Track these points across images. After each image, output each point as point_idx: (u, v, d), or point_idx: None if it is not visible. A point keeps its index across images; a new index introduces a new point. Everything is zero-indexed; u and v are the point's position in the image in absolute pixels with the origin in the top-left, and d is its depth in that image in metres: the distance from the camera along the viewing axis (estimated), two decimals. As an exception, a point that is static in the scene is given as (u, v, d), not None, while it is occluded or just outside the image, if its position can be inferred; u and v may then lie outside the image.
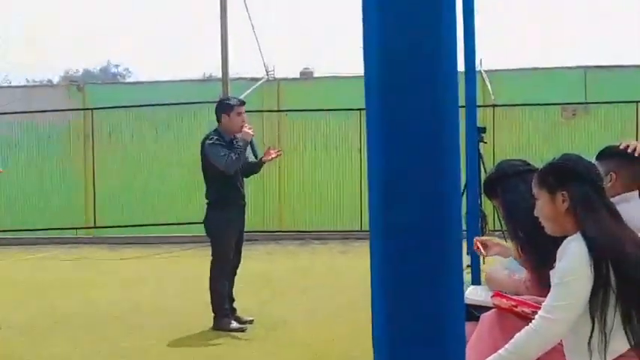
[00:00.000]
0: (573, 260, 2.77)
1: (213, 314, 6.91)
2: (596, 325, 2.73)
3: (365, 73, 1.21)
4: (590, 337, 2.75)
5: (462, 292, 1.22)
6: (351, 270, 10.55)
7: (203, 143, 7.05)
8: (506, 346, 2.83)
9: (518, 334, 2.83)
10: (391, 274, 1.17)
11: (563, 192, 2.89)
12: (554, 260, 3.06)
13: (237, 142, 6.95)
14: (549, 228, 2.97)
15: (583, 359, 2.79)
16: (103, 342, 6.49)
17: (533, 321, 2.83)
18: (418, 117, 1.16)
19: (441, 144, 1.16)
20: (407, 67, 1.16)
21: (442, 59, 1.17)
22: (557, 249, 3.09)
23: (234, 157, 6.83)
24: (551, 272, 2.91)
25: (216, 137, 6.95)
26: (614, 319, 2.73)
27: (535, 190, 3.02)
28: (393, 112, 1.16)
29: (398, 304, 1.17)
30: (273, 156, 7.34)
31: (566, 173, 2.95)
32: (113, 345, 6.37)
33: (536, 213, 3.02)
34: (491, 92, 16.20)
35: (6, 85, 21.40)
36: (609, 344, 2.73)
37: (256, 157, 7.31)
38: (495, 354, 2.85)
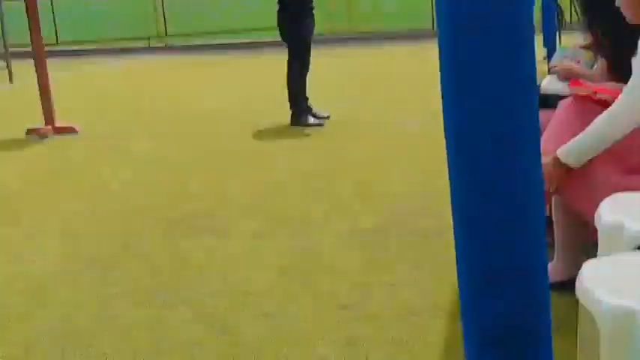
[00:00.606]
0: None
1: (290, 111, 7.11)
2: None
3: None
4: None
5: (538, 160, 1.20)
6: (422, 68, 10.54)
7: None
8: (588, 128, 2.82)
9: (597, 118, 2.81)
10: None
11: None
12: (633, 50, 3.01)
13: None
14: (629, 16, 2.89)
15: None
16: (189, 140, 6.76)
17: (615, 101, 2.80)
18: None
19: None
20: None
21: None
22: (636, 39, 3.04)
23: None
24: (633, 59, 2.86)
25: None
26: None
27: None
28: None
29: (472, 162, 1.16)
30: None
31: None
32: (199, 141, 6.63)
33: (617, 2, 2.93)
34: None
35: None
36: None
37: None
38: (576, 137, 2.85)
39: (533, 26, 1.14)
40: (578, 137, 2.82)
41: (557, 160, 2.83)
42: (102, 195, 5.10)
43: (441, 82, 1.16)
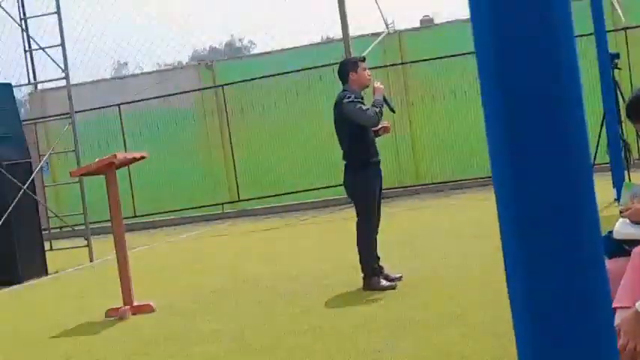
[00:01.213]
0: None
1: (362, 274, 7.02)
2: None
3: (474, 18, 1.21)
4: None
5: (599, 239, 1.22)
6: (495, 216, 10.45)
7: (339, 103, 7.12)
8: None
9: None
10: (522, 221, 1.20)
11: None
12: None
13: (373, 97, 7.08)
14: None
15: None
16: (256, 313, 6.71)
17: None
18: (535, 65, 1.16)
19: (561, 92, 1.16)
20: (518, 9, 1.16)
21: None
22: None
23: (377, 111, 6.96)
24: None
25: (353, 95, 7.04)
26: None
27: None
28: (507, 60, 1.17)
29: (532, 250, 1.18)
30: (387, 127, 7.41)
31: None
32: (269, 314, 6.59)
33: None
34: (621, 15, 15.51)
35: (139, 72, 22.21)
36: None
37: (393, 110, 7.37)
38: None
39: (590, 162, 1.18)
40: None
41: (637, 313, 2.73)
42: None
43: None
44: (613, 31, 14.15)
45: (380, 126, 7.27)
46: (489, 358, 4.58)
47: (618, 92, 10.09)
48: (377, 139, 7.31)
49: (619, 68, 10.40)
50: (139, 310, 7.36)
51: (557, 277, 1.18)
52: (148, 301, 7.48)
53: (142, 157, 8.33)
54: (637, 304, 2.77)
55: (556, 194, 1.17)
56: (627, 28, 15.17)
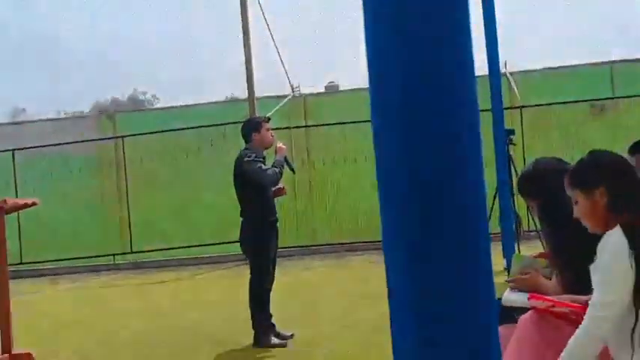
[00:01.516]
0: (614, 255, 2.74)
1: (253, 331, 6.94)
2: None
3: (373, 86, 1.20)
4: (633, 330, 2.72)
5: (494, 301, 1.22)
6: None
7: (239, 161, 7.10)
8: (562, 354, 2.78)
9: (570, 340, 2.79)
10: (416, 283, 1.18)
11: (601, 188, 2.87)
12: (587, 262, 3.04)
13: (275, 157, 7.09)
14: (590, 226, 2.93)
15: (626, 352, 2.76)
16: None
17: (582, 323, 2.79)
18: (438, 125, 1.16)
19: (464, 151, 1.16)
20: (423, 75, 1.16)
21: (458, 68, 1.17)
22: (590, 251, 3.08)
23: (277, 171, 6.97)
24: (592, 267, 2.87)
25: (254, 155, 7.03)
26: None
27: (569, 191, 2.99)
28: (411, 120, 1.17)
29: (427, 312, 1.17)
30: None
31: (602, 169, 2.93)
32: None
33: (575, 214, 2.98)
34: (517, 94, 16.15)
35: (37, 119, 21.70)
36: None
37: (293, 171, 7.41)
38: None
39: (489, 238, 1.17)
40: None
41: None
42: None
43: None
44: (509, 108, 14.69)
45: (276, 187, 7.28)
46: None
47: (512, 166, 10.43)
48: (276, 199, 7.32)
49: (513, 144, 10.77)
50: (17, 359, 7.03)
51: (451, 342, 1.16)
52: (28, 350, 7.16)
53: (33, 204, 8.07)
54: None
55: (454, 258, 1.16)
56: (523, 107, 15.79)
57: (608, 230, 2.85)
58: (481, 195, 1.20)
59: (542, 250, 4.26)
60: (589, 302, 2.84)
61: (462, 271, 1.16)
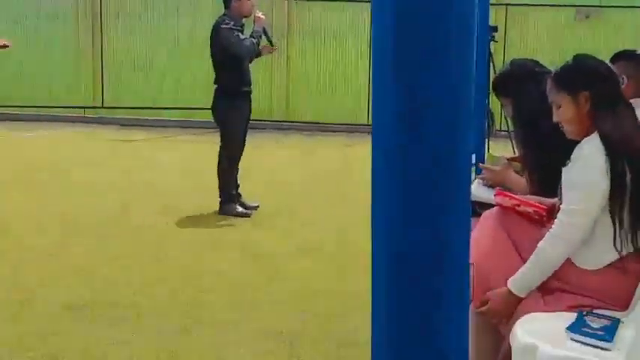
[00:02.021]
0: (589, 161, 2.77)
1: (219, 199, 7.01)
2: (617, 224, 2.73)
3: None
4: (614, 237, 2.75)
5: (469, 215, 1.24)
6: (355, 162, 10.64)
7: (217, 28, 6.97)
8: (531, 257, 2.83)
9: (540, 242, 2.83)
10: (396, 175, 1.20)
11: (585, 92, 2.87)
12: (557, 166, 3.08)
13: (253, 27, 6.98)
14: (570, 131, 2.95)
15: (593, 261, 2.80)
16: (106, 222, 6.60)
17: (552, 227, 2.82)
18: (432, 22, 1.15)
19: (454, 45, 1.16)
20: None
21: None
22: (562, 155, 3.12)
23: (254, 42, 6.87)
24: (564, 170, 2.90)
25: (232, 22, 6.90)
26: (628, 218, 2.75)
27: (553, 95, 2.98)
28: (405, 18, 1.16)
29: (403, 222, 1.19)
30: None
31: (587, 74, 2.92)
32: (119, 223, 6.49)
33: (555, 118, 2.99)
34: (505, -9, 15.93)
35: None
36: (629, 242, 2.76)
37: (271, 43, 7.29)
38: (523, 267, 2.86)
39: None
40: (525, 268, 2.83)
41: (509, 292, 2.83)
42: None
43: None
44: (495, 4, 14.53)
45: (263, 45, 7.18)
46: (331, 289, 4.69)
47: (491, 64, 10.38)
48: (252, 68, 7.24)
49: (495, 41, 10.67)
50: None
51: (426, 228, 1.18)
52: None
53: (4, 46, 7.94)
54: (509, 284, 2.86)
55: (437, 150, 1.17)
56: (508, 4, 15.62)
57: (586, 137, 2.87)
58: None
59: (511, 151, 4.30)
60: (559, 207, 2.88)
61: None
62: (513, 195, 3.32)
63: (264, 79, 15.46)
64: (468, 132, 1.21)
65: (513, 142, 4.85)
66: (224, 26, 6.88)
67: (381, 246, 1.23)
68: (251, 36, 6.95)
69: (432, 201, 1.16)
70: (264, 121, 14.89)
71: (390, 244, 1.19)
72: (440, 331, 1.18)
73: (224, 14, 7.06)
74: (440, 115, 1.16)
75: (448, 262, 1.17)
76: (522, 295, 2.83)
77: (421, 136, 1.15)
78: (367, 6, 15.46)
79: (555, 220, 2.83)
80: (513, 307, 2.83)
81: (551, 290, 2.88)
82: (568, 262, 2.83)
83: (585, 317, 2.67)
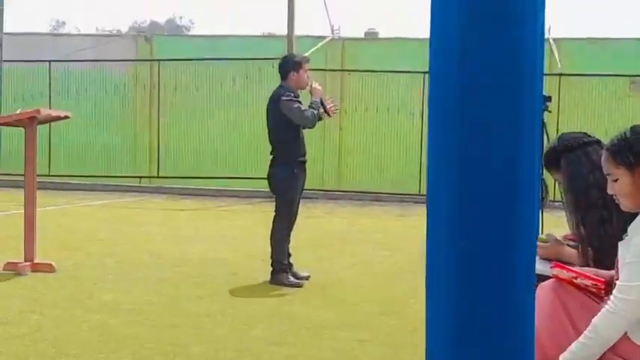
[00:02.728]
0: None
1: (271, 268, 7.02)
2: None
3: (434, 37, 1.21)
4: None
5: (533, 265, 1.24)
6: (408, 233, 10.60)
7: (277, 99, 7.09)
8: (586, 332, 2.77)
9: (596, 318, 2.77)
10: (457, 243, 1.20)
11: None
12: (612, 238, 3.03)
13: (311, 99, 7.09)
14: (626, 204, 2.89)
15: None
16: (159, 290, 6.63)
17: (609, 302, 2.76)
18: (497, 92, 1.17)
19: (521, 117, 1.18)
20: (486, 32, 1.16)
21: (524, 24, 1.17)
22: (616, 227, 3.07)
23: (315, 113, 6.97)
24: (621, 244, 2.86)
25: (292, 94, 7.03)
26: None
27: (610, 168, 2.92)
28: (471, 80, 1.18)
29: (468, 273, 1.19)
30: (332, 107, 7.34)
31: None
32: (171, 293, 6.52)
33: (610, 190, 2.95)
34: (558, 61, 15.94)
35: (75, 33, 21.69)
36: None
37: (328, 114, 7.37)
38: (576, 342, 2.80)
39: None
40: (579, 344, 2.78)
41: None
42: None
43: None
44: (548, 75, 14.54)
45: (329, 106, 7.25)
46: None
47: (545, 134, 10.35)
48: (311, 138, 7.32)
49: (549, 111, 10.65)
50: (39, 268, 7.19)
51: (487, 295, 1.18)
52: (49, 261, 7.31)
53: (66, 117, 8.18)
54: (561, 357, 2.81)
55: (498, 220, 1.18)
56: (562, 74, 15.61)
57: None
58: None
59: (564, 223, 4.24)
60: (616, 281, 2.83)
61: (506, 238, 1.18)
62: (571, 268, 3.28)
63: (317, 149, 15.60)
64: (533, 206, 1.22)
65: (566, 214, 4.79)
66: (285, 98, 7.00)
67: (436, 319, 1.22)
68: (310, 106, 7.06)
69: (493, 271, 1.17)
70: (316, 190, 14.98)
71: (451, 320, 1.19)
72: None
73: (281, 86, 7.19)
74: (498, 184, 1.17)
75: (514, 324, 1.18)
76: None
77: (480, 209, 1.16)
78: (419, 77, 15.58)
79: (611, 297, 2.77)
80: None
81: (604, 361, 2.82)
82: (625, 337, 2.77)
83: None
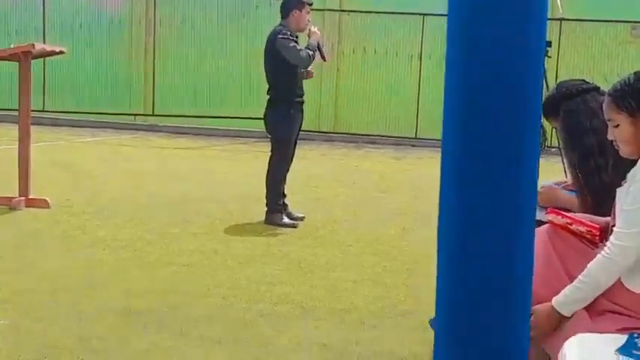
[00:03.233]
0: None
1: (266, 208, 7.03)
2: None
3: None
4: None
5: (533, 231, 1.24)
6: (403, 176, 10.62)
7: (273, 37, 7.01)
8: (580, 277, 2.76)
9: (591, 263, 2.76)
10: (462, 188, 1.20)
11: None
12: (609, 185, 3.00)
13: (308, 41, 7.00)
14: (626, 151, 2.86)
15: None
16: (152, 228, 6.64)
17: (605, 248, 2.76)
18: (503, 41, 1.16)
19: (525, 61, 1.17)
20: None
21: None
22: (615, 173, 3.04)
23: (311, 53, 6.89)
24: (619, 190, 2.84)
25: (289, 33, 6.95)
26: None
27: (611, 113, 2.88)
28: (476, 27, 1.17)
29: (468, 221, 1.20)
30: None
31: None
32: (165, 231, 6.53)
33: (610, 136, 2.91)
34: (560, 5, 15.76)
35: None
36: None
37: (324, 58, 7.31)
38: (570, 285, 2.80)
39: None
40: (573, 287, 2.77)
41: (553, 310, 2.78)
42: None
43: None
44: (549, 19, 14.40)
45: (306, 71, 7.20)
46: (376, 307, 4.66)
47: (545, 80, 10.30)
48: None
49: (549, 56, 10.58)
50: (33, 203, 7.18)
51: (489, 236, 1.20)
52: (44, 197, 7.30)
53: (61, 52, 8.07)
54: (553, 301, 2.81)
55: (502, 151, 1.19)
56: (563, 19, 15.45)
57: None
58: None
59: (562, 169, 4.23)
60: (612, 228, 2.82)
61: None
62: (566, 213, 3.27)
63: (313, 90, 15.52)
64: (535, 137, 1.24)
65: (564, 161, 4.78)
66: (281, 36, 6.92)
67: (445, 254, 1.25)
68: (307, 48, 6.98)
69: (498, 206, 1.20)
70: (312, 132, 14.95)
71: (456, 251, 1.23)
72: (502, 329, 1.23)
73: (280, 24, 7.11)
74: (506, 122, 1.20)
75: (513, 266, 1.21)
76: (566, 315, 2.77)
77: (485, 145, 1.18)
78: (419, 19, 15.42)
79: (607, 243, 2.77)
80: (555, 325, 2.78)
81: (602, 312, 2.82)
82: (619, 284, 2.77)
83: (637, 339, 2.61)
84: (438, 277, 1.25)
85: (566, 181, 3.96)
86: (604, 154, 3.42)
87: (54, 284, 4.80)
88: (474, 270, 1.20)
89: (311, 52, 6.95)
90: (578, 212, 3.43)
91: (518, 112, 1.20)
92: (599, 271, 2.74)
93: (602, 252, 2.75)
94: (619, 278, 2.78)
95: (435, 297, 1.27)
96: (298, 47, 6.94)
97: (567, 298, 2.78)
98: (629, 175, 2.80)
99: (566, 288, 2.80)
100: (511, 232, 1.19)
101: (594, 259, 2.77)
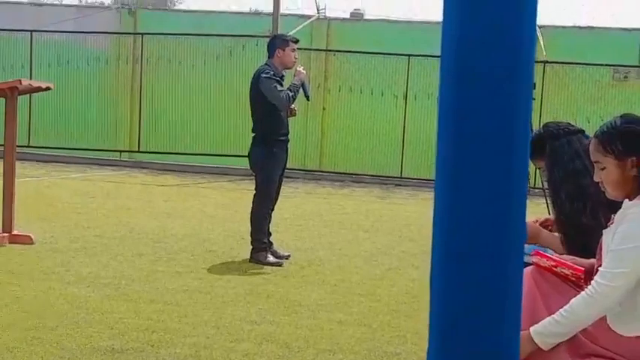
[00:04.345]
0: (636, 225, 2.74)
1: (251, 246, 7.01)
2: None
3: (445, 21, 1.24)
4: None
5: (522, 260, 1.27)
6: (388, 216, 10.63)
7: (258, 76, 7.06)
8: (561, 311, 2.77)
9: (574, 300, 2.77)
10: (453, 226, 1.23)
11: (633, 158, 2.79)
12: (590, 228, 3.04)
13: (292, 80, 7.05)
14: (613, 193, 2.88)
15: (634, 326, 2.76)
16: (137, 265, 6.62)
17: (589, 287, 2.76)
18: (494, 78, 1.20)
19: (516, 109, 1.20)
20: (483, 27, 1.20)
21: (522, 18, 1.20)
22: (592, 217, 3.08)
23: (290, 95, 6.93)
24: (605, 232, 2.86)
25: (272, 72, 7.00)
26: None
27: (597, 156, 2.90)
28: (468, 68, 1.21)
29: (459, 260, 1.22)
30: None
31: (636, 138, 2.82)
32: (149, 268, 6.50)
33: (597, 178, 2.93)
34: (543, 48, 15.96)
35: (57, 3, 21.45)
36: None
37: (308, 98, 7.37)
38: (550, 318, 2.81)
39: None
40: (552, 320, 2.78)
41: (529, 337, 2.78)
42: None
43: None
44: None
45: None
46: (362, 348, 4.64)
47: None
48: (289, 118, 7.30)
49: (533, 98, 10.71)
50: (17, 239, 7.14)
51: (478, 272, 1.22)
52: (28, 233, 7.27)
53: (47, 88, 8.08)
54: (531, 329, 2.81)
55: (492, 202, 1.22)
56: (546, 62, 15.64)
57: (628, 198, 2.82)
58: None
59: (545, 210, 4.27)
60: (597, 268, 2.84)
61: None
62: (550, 255, 3.29)
63: (299, 129, 15.60)
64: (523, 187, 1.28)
65: (548, 202, 4.83)
66: (264, 75, 6.98)
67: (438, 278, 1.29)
68: (289, 89, 7.01)
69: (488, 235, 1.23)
70: (298, 170, 14.98)
71: (448, 278, 1.26)
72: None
73: (266, 63, 7.17)
74: (496, 151, 1.24)
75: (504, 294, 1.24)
76: (542, 346, 2.77)
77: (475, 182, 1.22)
78: (404, 60, 15.57)
79: (592, 282, 2.78)
80: (528, 351, 2.77)
81: (587, 355, 2.83)
82: (607, 328, 2.79)
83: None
84: (431, 278, 1.28)
85: (548, 218, 4.00)
86: (582, 197, 3.48)
87: (37, 321, 4.77)
88: (467, 273, 1.23)
89: (291, 94, 6.98)
90: (559, 252, 3.46)
91: (508, 146, 1.23)
92: (580, 307, 2.75)
93: (587, 290, 2.77)
94: (607, 322, 2.80)
95: (429, 296, 1.29)
96: (279, 88, 6.99)
97: (545, 329, 2.78)
98: (616, 217, 2.83)
99: (546, 319, 2.80)
100: (502, 258, 1.22)
101: (577, 296, 2.78)
